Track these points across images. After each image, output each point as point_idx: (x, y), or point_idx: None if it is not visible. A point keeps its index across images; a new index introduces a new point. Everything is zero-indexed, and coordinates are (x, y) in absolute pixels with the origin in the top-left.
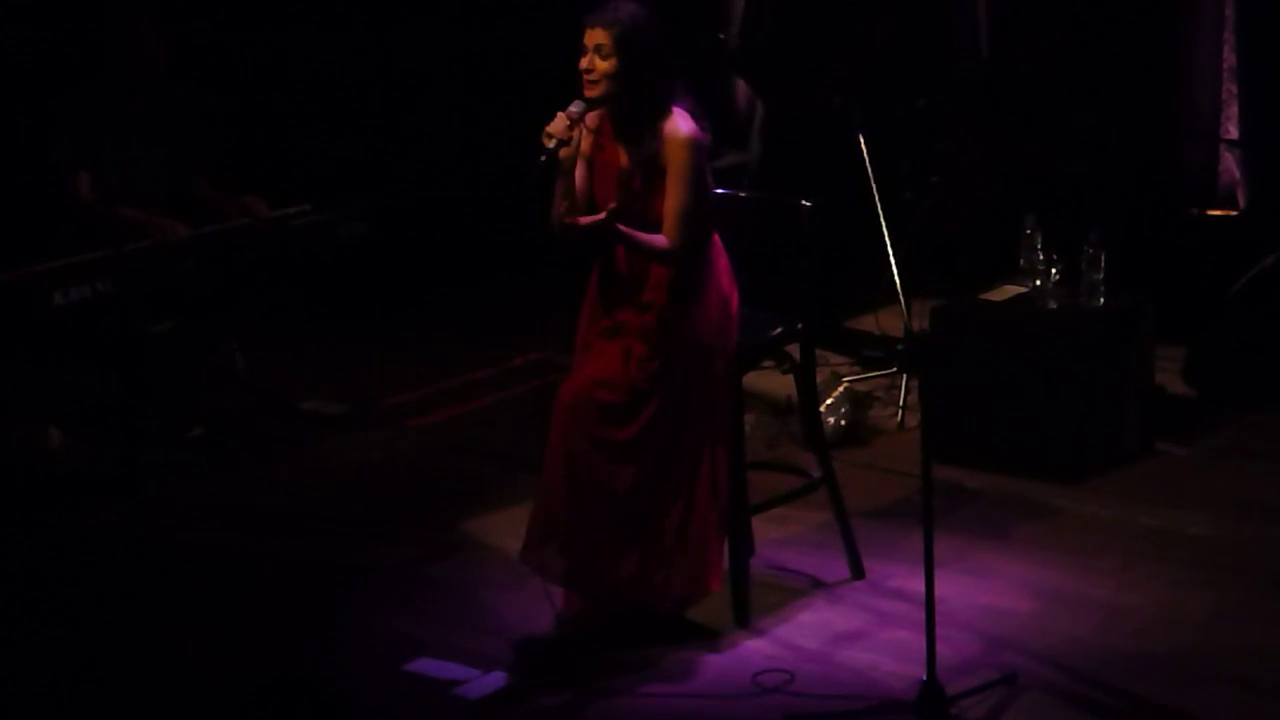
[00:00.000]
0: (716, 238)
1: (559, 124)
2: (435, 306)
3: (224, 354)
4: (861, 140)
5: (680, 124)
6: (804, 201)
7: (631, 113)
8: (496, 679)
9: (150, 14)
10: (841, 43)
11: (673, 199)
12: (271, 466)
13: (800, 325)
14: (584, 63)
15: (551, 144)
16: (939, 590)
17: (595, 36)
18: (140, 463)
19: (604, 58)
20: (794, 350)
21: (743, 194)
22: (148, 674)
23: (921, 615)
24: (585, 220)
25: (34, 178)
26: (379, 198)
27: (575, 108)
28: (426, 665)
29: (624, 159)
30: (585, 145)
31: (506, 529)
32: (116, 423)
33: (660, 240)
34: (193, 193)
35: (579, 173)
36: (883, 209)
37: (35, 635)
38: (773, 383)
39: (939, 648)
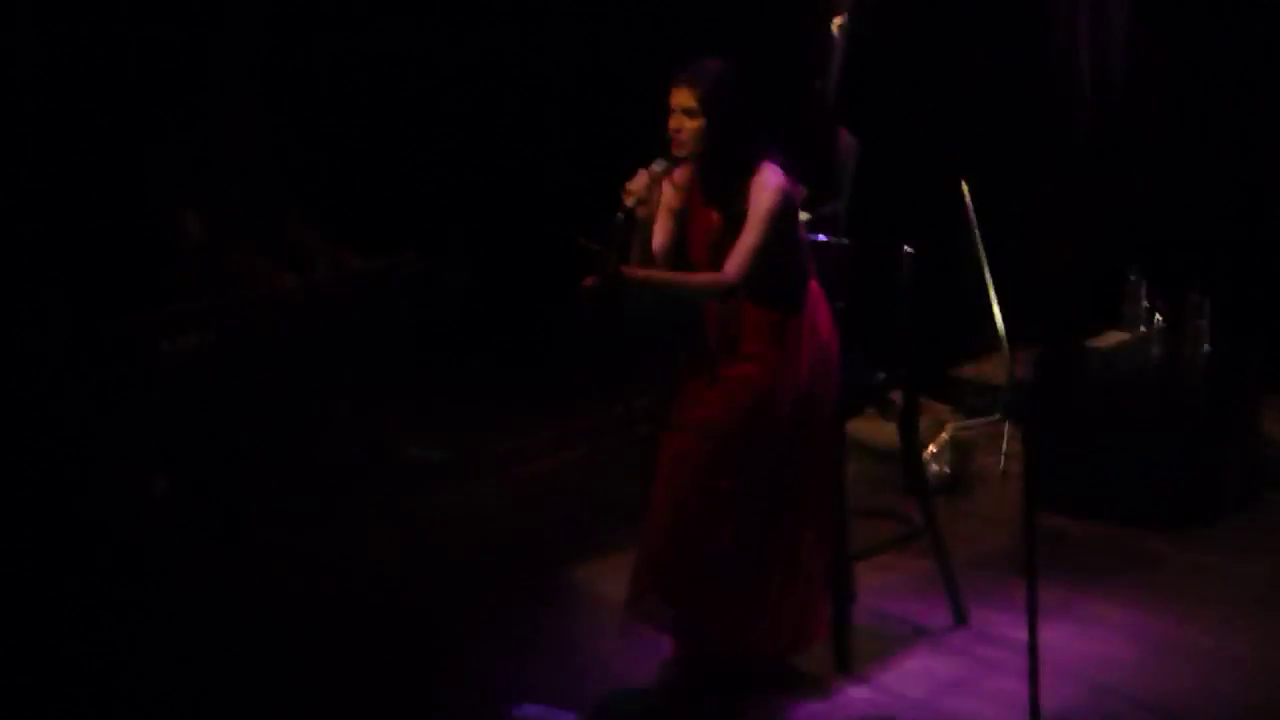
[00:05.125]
0: (815, 285)
1: (639, 182)
2: (539, 354)
3: (330, 402)
4: (965, 186)
5: (769, 175)
6: (905, 247)
7: (720, 171)
8: None
9: (254, 70)
10: (938, 78)
11: (745, 234)
12: (377, 515)
13: (903, 372)
14: (672, 123)
15: (631, 202)
16: (1042, 638)
17: (681, 97)
18: (246, 511)
19: (691, 118)
20: (897, 397)
21: (844, 240)
22: None
23: (1025, 663)
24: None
25: (137, 225)
26: (483, 244)
27: (658, 166)
28: (532, 710)
29: (715, 217)
30: (673, 200)
31: (610, 576)
32: (222, 471)
33: (710, 275)
34: (288, 235)
35: (662, 227)
36: (986, 255)
37: (141, 683)
38: (875, 430)
39: (1042, 697)
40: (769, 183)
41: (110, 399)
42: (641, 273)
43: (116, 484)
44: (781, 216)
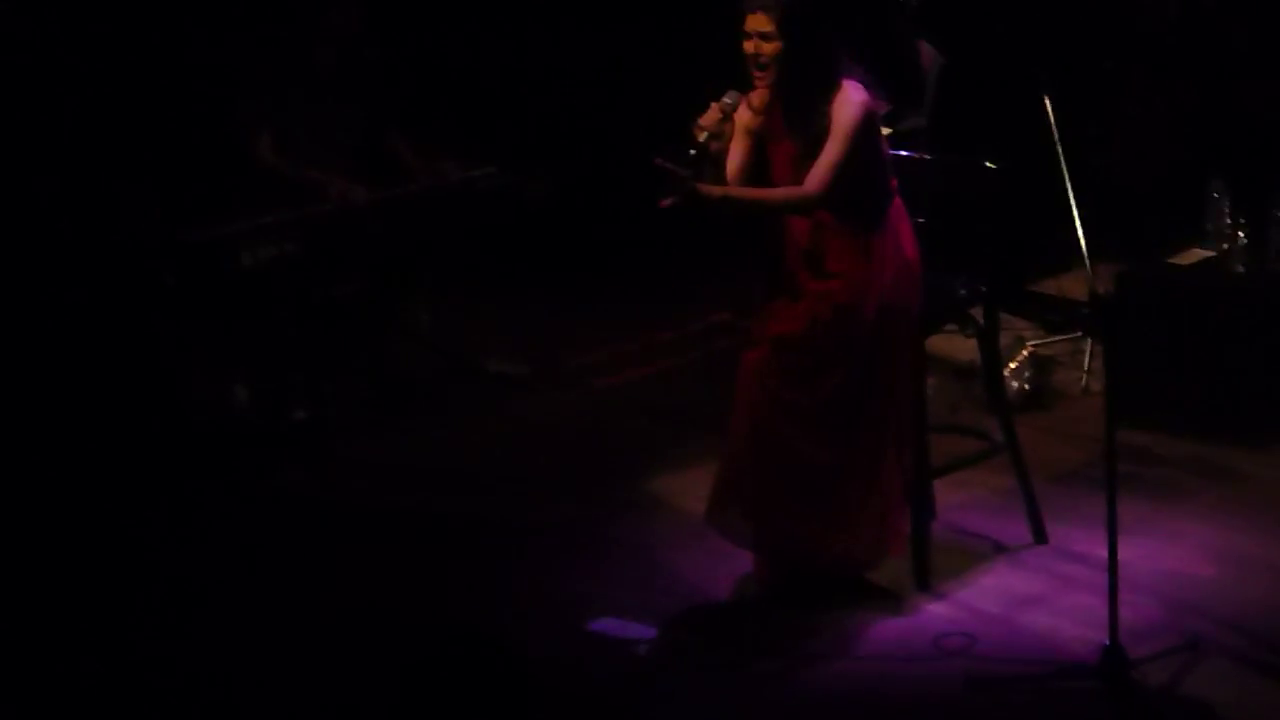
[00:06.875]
0: (899, 201)
1: (711, 116)
2: (620, 268)
3: (409, 314)
4: (1047, 102)
5: (852, 92)
6: (988, 164)
7: (799, 94)
8: (676, 640)
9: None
10: None
11: (828, 150)
12: (455, 426)
13: (984, 288)
14: (749, 48)
15: (703, 137)
16: (1122, 555)
17: (757, 21)
18: (325, 422)
19: (768, 41)
20: (978, 314)
21: (927, 156)
22: (330, 631)
23: (1104, 580)
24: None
25: (220, 137)
26: (564, 159)
27: (729, 99)
28: (608, 624)
29: (797, 139)
30: (751, 122)
31: (688, 490)
32: (302, 382)
33: (791, 190)
34: (390, 154)
35: (736, 151)
36: (1068, 171)
37: (218, 592)
38: (956, 346)
39: (1121, 612)
40: (852, 99)
41: (192, 310)
42: (719, 190)
43: (198, 394)
44: (864, 132)
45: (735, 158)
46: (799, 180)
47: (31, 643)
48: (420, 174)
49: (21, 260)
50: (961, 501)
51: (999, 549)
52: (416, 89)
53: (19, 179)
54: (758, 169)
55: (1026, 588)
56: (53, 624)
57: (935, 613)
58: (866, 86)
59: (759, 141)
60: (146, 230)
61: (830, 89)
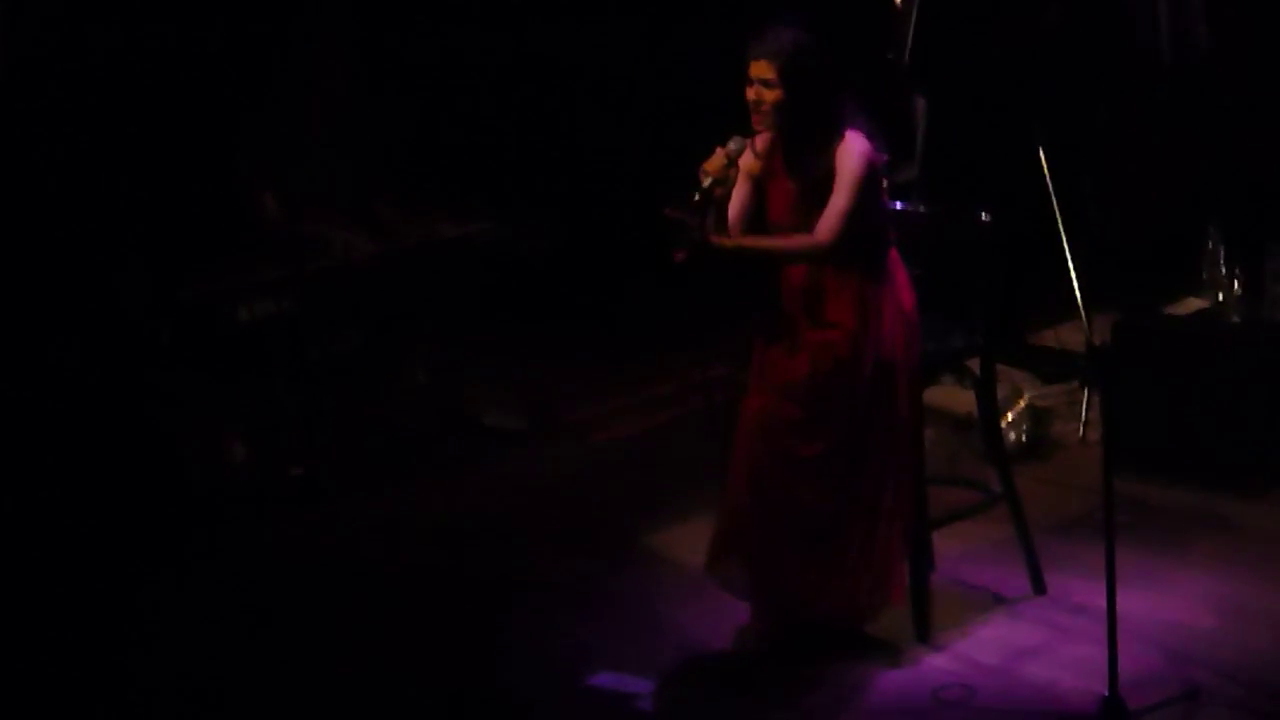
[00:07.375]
0: (895, 253)
1: (716, 162)
2: (617, 321)
3: (407, 369)
4: (1042, 154)
5: (855, 141)
6: (983, 215)
7: (801, 141)
8: (675, 694)
9: (339, 43)
10: (1010, 36)
11: (835, 197)
12: (453, 481)
13: (981, 340)
14: (750, 94)
15: (707, 182)
16: (1121, 605)
17: (760, 69)
18: (322, 478)
19: (770, 89)
20: (974, 365)
21: (921, 207)
22: (329, 688)
23: (1103, 630)
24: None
25: (217, 199)
26: (560, 213)
27: (734, 145)
28: (607, 678)
29: (797, 185)
30: (753, 167)
31: (687, 543)
32: (300, 437)
33: (803, 238)
34: (375, 214)
35: (741, 194)
36: (1063, 222)
37: (216, 646)
38: (953, 397)
39: (1121, 663)
40: (855, 149)
41: (189, 367)
42: (730, 241)
43: (195, 451)
44: (868, 182)
45: (737, 202)
46: (797, 221)
47: (28, 701)
48: (406, 230)
49: (16, 316)
50: (960, 552)
51: (998, 600)
52: (411, 144)
53: (13, 235)
54: (758, 212)
55: (1026, 639)
56: (50, 681)
57: (934, 664)
58: (868, 137)
59: (759, 184)
60: (142, 287)
61: (833, 137)
